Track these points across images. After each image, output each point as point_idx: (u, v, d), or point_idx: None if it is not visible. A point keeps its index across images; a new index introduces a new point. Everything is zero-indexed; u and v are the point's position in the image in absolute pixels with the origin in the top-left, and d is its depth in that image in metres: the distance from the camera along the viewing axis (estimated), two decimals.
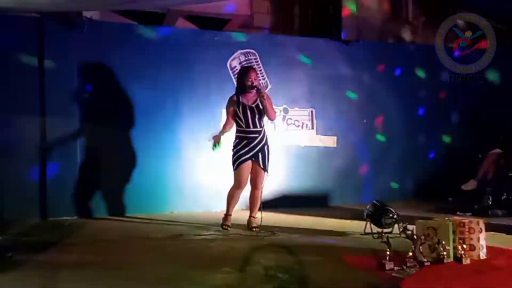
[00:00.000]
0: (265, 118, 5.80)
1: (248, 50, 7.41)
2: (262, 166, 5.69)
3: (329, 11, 8.18)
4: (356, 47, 8.03)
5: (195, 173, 7.05)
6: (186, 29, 7.46)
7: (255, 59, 7.42)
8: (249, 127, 5.68)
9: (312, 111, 7.72)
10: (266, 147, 5.74)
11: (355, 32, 8.13)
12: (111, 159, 6.74)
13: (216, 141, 5.70)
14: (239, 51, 7.36)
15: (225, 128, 5.80)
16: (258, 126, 5.71)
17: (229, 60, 7.28)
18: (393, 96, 8.19)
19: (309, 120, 7.71)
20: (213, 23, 7.49)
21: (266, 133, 5.81)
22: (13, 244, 4.99)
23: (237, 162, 5.67)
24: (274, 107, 5.92)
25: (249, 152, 5.66)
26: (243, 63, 7.25)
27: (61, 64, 6.52)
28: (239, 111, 5.68)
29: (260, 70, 7.41)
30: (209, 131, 6.87)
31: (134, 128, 6.82)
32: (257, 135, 5.69)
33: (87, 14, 6.71)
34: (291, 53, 7.64)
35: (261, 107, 5.68)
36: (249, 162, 5.68)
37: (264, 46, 7.52)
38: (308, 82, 7.71)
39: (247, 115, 5.67)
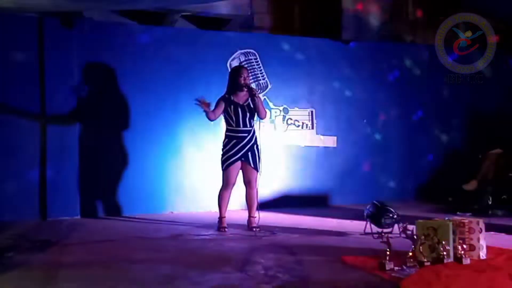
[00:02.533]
0: (255, 118, 5.77)
1: (248, 50, 7.42)
2: (252, 165, 5.67)
3: (329, 11, 8.18)
4: (356, 47, 8.04)
5: (195, 173, 7.05)
6: (186, 29, 7.46)
7: (255, 59, 7.42)
8: (239, 126, 5.66)
9: (312, 111, 7.73)
10: (255, 146, 5.71)
11: (355, 32, 8.13)
12: (111, 159, 6.75)
13: (204, 104, 5.58)
14: (239, 51, 7.36)
15: (212, 113, 5.65)
16: (248, 126, 5.69)
17: (229, 60, 7.28)
18: (393, 95, 8.19)
19: (309, 120, 7.71)
20: (213, 23, 7.49)
21: (256, 133, 5.77)
22: (13, 244, 4.99)
23: (226, 163, 5.66)
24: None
25: (238, 152, 5.64)
26: (243, 63, 7.25)
27: (61, 64, 6.52)
28: (230, 110, 5.66)
29: (260, 70, 7.42)
30: (209, 131, 6.91)
31: (134, 128, 6.83)
32: (246, 135, 5.67)
33: (87, 14, 6.72)
34: (291, 53, 7.64)
35: (252, 106, 5.67)
36: (238, 163, 5.67)
37: (264, 46, 7.52)
38: (308, 82, 7.72)
39: (238, 114, 5.66)
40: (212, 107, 5.70)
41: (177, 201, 7.02)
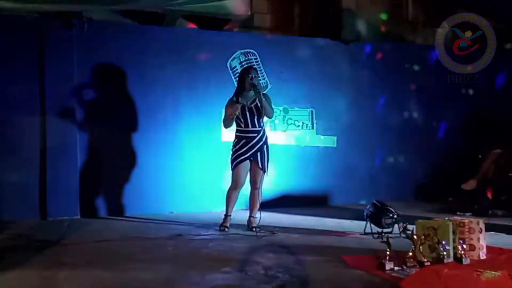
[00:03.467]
0: (265, 118, 5.79)
1: (248, 50, 7.42)
2: (260, 166, 5.69)
3: (329, 11, 8.19)
4: (356, 47, 8.04)
5: (195, 173, 7.05)
6: (186, 29, 7.46)
7: (255, 59, 7.42)
8: (248, 127, 5.68)
9: (312, 111, 7.73)
10: (265, 146, 5.73)
11: (355, 32, 8.14)
12: (111, 159, 6.74)
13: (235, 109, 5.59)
14: (239, 51, 7.36)
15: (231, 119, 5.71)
16: (257, 126, 5.71)
17: (229, 60, 7.28)
18: (393, 95, 8.19)
19: (309, 120, 7.71)
20: (213, 23, 7.49)
21: (266, 133, 5.81)
22: (13, 244, 4.99)
23: (235, 162, 5.68)
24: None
25: (248, 152, 5.66)
26: (243, 63, 7.25)
27: (61, 64, 6.52)
28: (238, 112, 5.68)
29: (260, 70, 7.42)
30: (209, 131, 6.92)
31: (134, 128, 6.82)
32: (256, 135, 5.69)
33: (87, 14, 6.71)
34: (291, 53, 7.64)
35: (259, 105, 5.67)
36: (247, 162, 5.69)
37: (264, 46, 7.52)
38: (308, 82, 7.71)
39: (246, 115, 5.68)
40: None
41: (177, 201, 7.02)
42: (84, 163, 6.62)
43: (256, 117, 5.69)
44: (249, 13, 7.37)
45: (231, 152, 5.75)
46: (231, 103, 5.70)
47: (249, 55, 7.40)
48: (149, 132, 6.89)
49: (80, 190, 6.59)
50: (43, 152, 6.46)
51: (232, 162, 5.72)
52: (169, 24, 7.37)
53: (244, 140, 5.68)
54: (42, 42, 6.46)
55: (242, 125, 5.71)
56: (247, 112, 5.68)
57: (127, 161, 6.77)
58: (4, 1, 5.55)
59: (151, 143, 6.89)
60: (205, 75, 7.10)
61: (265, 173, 5.75)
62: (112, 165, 6.75)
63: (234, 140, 5.77)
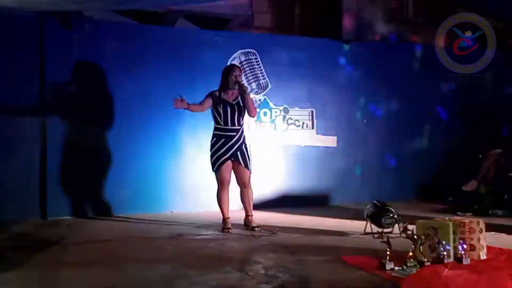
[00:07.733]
0: (246, 117, 5.75)
1: (248, 50, 7.42)
2: (243, 165, 5.65)
3: (329, 11, 8.18)
4: (356, 47, 8.03)
5: (195, 173, 7.04)
6: (186, 29, 7.46)
7: (255, 59, 7.43)
8: (227, 125, 5.63)
9: (312, 111, 7.73)
10: (244, 145, 5.68)
11: (355, 32, 8.13)
12: (111, 159, 6.74)
13: (178, 105, 5.46)
14: (239, 51, 7.36)
15: (195, 106, 5.63)
16: (237, 125, 5.66)
17: (229, 60, 7.28)
18: (393, 95, 8.19)
19: (309, 120, 7.71)
20: (213, 23, 7.49)
21: (244, 132, 5.75)
22: (13, 244, 4.99)
23: (217, 164, 5.62)
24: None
25: (227, 152, 5.61)
26: (243, 63, 7.26)
27: (61, 64, 6.53)
28: (220, 107, 5.63)
29: (260, 70, 7.42)
30: (209, 131, 6.90)
31: (134, 128, 6.83)
32: (235, 134, 5.63)
33: (87, 14, 6.72)
34: (291, 53, 7.64)
35: (241, 104, 5.64)
36: (229, 162, 5.64)
37: (264, 46, 7.52)
38: (308, 82, 7.71)
39: (227, 111, 5.62)
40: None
41: (177, 201, 7.02)
42: (85, 163, 6.62)
43: (236, 115, 5.64)
44: (249, 13, 7.37)
45: (210, 153, 5.68)
46: (209, 95, 5.67)
47: (249, 55, 7.41)
48: (149, 132, 6.90)
49: (80, 190, 6.60)
50: (43, 152, 6.47)
51: (213, 164, 5.65)
52: (169, 24, 7.37)
53: (223, 140, 5.61)
54: (42, 42, 6.47)
55: (221, 123, 5.64)
56: (228, 108, 5.63)
57: (127, 161, 6.77)
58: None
59: (151, 143, 6.89)
60: (205, 75, 7.10)
61: (251, 172, 5.72)
62: (112, 165, 6.74)
63: (212, 139, 5.68)
